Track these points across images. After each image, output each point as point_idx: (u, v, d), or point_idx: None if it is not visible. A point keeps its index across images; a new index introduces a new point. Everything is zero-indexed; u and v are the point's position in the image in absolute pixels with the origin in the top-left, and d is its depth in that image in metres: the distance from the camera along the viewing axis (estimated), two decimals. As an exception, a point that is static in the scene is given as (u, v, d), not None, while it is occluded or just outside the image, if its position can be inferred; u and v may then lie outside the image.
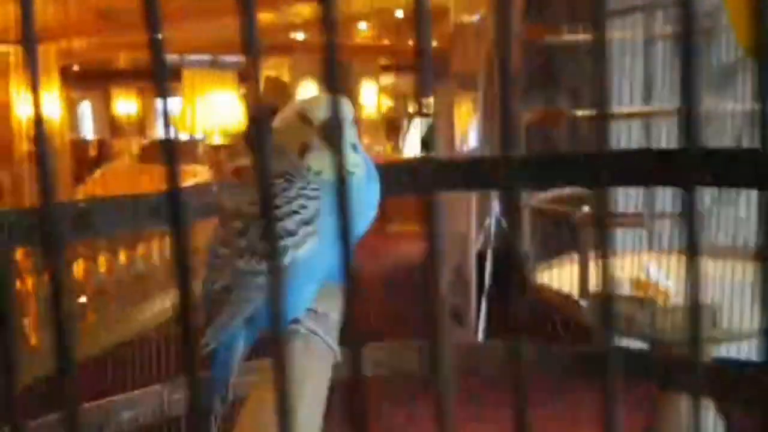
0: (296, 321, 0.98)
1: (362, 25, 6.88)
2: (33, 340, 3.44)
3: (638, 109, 3.28)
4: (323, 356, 0.96)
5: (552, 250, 3.40)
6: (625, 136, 3.38)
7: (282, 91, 4.61)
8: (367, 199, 1.06)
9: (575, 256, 3.19)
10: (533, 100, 3.50)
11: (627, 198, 3.35)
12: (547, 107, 3.36)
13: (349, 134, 1.01)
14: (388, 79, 10.50)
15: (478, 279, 4.03)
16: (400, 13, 6.69)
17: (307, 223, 0.94)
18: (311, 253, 0.94)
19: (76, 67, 10.12)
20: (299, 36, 7.49)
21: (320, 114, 0.97)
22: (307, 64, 9.51)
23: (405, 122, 10.43)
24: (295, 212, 0.93)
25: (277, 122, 1.02)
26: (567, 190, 3.24)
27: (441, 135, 5.30)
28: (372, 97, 9.88)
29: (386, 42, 8.00)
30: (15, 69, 6.53)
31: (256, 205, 0.90)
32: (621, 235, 3.22)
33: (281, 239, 0.91)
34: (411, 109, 10.80)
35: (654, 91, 3.31)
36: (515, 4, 3.34)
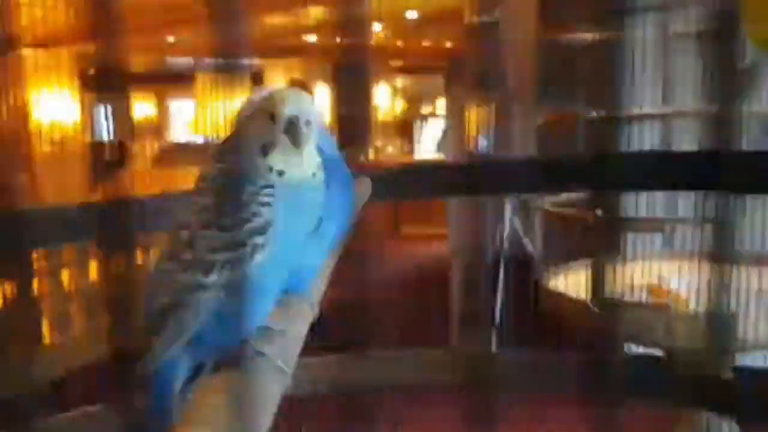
0: (245, 341, 0.87)
1: (376, 27, 6.85)
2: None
3: (657, 110, 3.22)
4: (272, 379, 0.87)
5: (564, 254, 3.35)
6: (645, 138, 3.31)
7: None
8: (338, 204, 1.01)
9: (588, 261, 3.14)
10: (549, 100, 3.45)
11: (647, 201, 3.28)
12: (562, 108, 3.30)
13: (315, 134, 0.94)
14: (401, 81, 10.48)
15: (492, 282, 3.98)
16: (412, 15, 6.66)
17: (258, 232, 0.85)
18: (263, 266, 0.85)
19: (92, 71, 10.17)
20: (311, 38, 7.48)
21: (286, 110, 0.90)
22: (319, 67, 9.50)
23: (418, 124, 10.39)
24: (245, 220, 0.85)
25: (239, 118, 0.96)
26: (580, 193, 3.19)
27: (453, 137, 5.25)
28: (385, 98, 9.86)
29: (399, 43, 7.97)
30: (34, 72, 6.57)
31: (203, 213, 0.86)
32: (639, 240, 3.16)
33: (230, 251, 0.84)
34: (424, 111, 10.76)
35: (673, 92, 3.25)
36: (530, 3, 3.29)
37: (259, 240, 0.85)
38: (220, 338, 0.84)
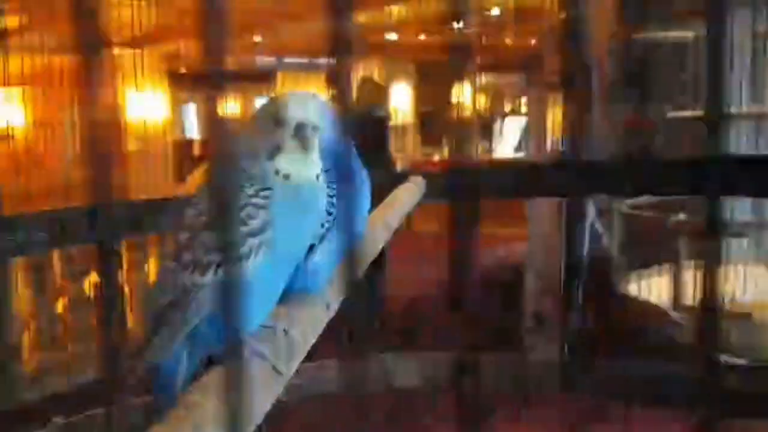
0: (241, 341, 0.84)
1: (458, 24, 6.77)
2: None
3: (746, 109, 3.07)
4: (265, 381, 0.86)
5: (642, 258, 3.24)
6: (733, 138, 3.17)
7: (378, 92, 4.59)
8: (351, 205, 1.00)
9: (667, 266, 3.02)
10: (628, 100, 3.35)
11: (733, 205, 3.14)
12: (640, 108, 3.20)
13: (323, 138, 0.96)
14: (484, 79, 10.36)
15: (567, 285, 3.89)
16: (495, 11, 6.57)
17: (253, 234, 0.88)
18: (261, 266, 0.88)
19: (182, 70, 10.51)
20: (392, 37, 7.49)
21: (294, 115, 0.92)
22: (400, 65, 9.50)
23: (498, 122, 10.25)
24: (242, 223, 0.87)
25: (248, 121, 0.98)
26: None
27: (534, 136, 5.16)
28: (467, 96, 9.76)
29: (483, 40, 7.89)
30: (128, 71, 6.82)
31: (202, 216, 0.89)
32: (722, 245, 3.02)
33: (225, 252, 0.81)
34: (506, 109, 10.60)
35: (762, 91, 3.10)
36: (609, 2, 3.20)
37: (255, 241, 0.87)
38: (217, 336, 0.86)
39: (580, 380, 2.85)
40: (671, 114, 3.10)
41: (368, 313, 3.99)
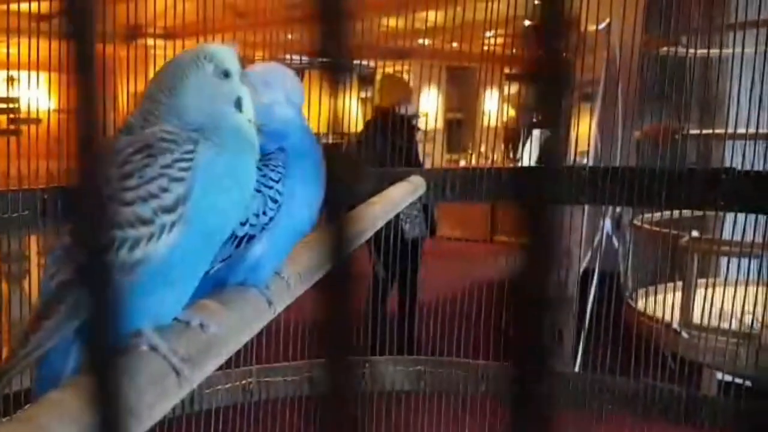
0: (138, 333, 0.75)
1: (488, 33, 6.79)
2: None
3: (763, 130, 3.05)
4: (160, 380, 0.73)
5: (654, 273, 3.22)
6: (747, 158, 3.13)
7: (401, 88, 4.61)
8: (301, 194, 0.98)
9: (678, 283, 3.01)
10: (649, 114, 3.34)
11: (743, 223, 3.11)
12: (661, 122, 3.19)
13: (277, 113, 0.95)
14: (512, 89, 10.32)
15: (580, 298, 3.88)
16: (527, 22, 6.55)
17: (168, 210, 0.74)
18: (173, 248, 0.75)
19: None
20: (425, 42, 7.49)
21: (237, 65, 0.86)
22: (430, 70, 9.49)
23: (524, 132, 10.19)
24: (153, 196, 0.74)
25: (181, 83, 0.86)
26: (677, 212, 3.06)
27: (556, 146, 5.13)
28: (494, 105, 9.75)
29: (513, 51, 7.86)
30: (158, 62, 6.92)
31: (107, 187, 0.71)
32: (734, 264, 3.00)
33: (130, 228, 0.73)
34: (532, 118, 10.55)
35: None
36: (638, 14, 3.20)
37: (170, 217, 0.74)
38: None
39: (591, 395, 2.85)
40: (693, 131, 3.09)
41: (400, 316, 4.00)
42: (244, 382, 2.94)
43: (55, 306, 0.74)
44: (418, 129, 4.48)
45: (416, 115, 4.73)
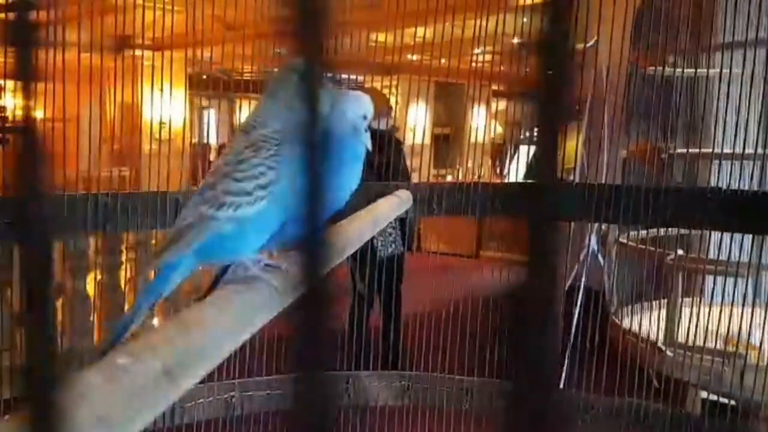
0: (241, 262, 1.11)
1: (476, 50, 6.81)
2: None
3: (752, 150, 3.07)
4: (137, 390, 0.71)
5: (639, 291, 3.23)
6: (736, 178, 3.16)
7: (379, 102, 4.60)
8: (339, 175, 1.20)
9: (663, 301, 3.02)
10: (635, 132, 3.36)
11: (731, 243, 3.12)
12: (647, 141, 3.20)
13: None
14: (500, 105, 10.38)
15: (565, 315, 3.88)
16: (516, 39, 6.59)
17: (263, 187, 1.10)
18: (259, 212, 1.10)
19: (203, 75, 10.61)
20: (413, 57, 7.52)
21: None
22: (418, 85, 9.53)
23: (510, 148, 10.24)
24: (255, 177, 1.10)
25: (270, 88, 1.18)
26: (663, 230, 3.07)
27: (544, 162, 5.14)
28: (482, 121, 9.80)
29: (502, 68, 7.90)
30: (146, 72, 6.90)
31: (228, 166, 1.14)
32: (718, 284, 3.01)
33: (236, 197, 1.10)
34: (519, 135, 10.60)
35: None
36: (625, 33, 3.22)
37: (262, 192, 1.10)
38: (218, 255, 1.13)
39: (575, 413, 2.84)
40: (680, 150, 3.10)
41: (384, 331, 4.00)
42: (226, 395, 2.91)
43: (180, 237, 1.11)
44: (401, 142, 4.48)
45: (394, 128, 4.74)
